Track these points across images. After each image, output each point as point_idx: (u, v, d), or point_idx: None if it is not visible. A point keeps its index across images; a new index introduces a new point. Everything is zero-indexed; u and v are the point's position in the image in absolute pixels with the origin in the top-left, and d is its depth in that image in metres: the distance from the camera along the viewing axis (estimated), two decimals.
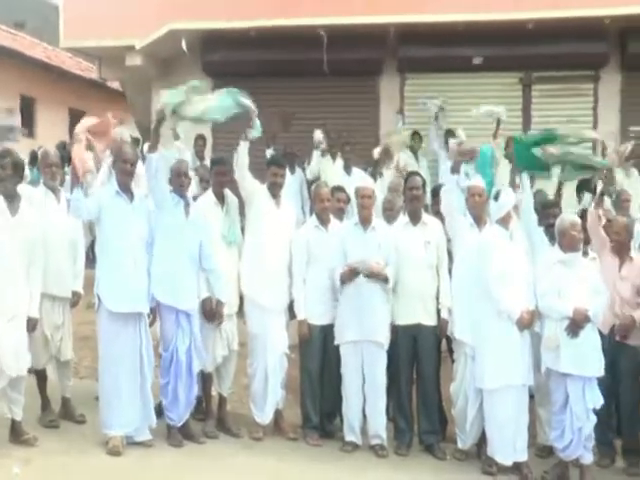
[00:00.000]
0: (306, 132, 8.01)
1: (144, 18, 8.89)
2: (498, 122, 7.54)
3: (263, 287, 5.27)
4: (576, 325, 4.69)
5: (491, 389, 4.82)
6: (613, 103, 8.77)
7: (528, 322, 4.84)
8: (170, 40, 8.82)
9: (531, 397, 5.10)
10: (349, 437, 5.22)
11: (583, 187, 6.81)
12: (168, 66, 9.44)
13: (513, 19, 8.13)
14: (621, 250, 5.11)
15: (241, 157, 5.28)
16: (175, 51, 8.91)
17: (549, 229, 5.27)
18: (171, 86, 5.30)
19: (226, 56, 8.95)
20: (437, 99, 8.37)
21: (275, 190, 5.40)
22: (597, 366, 4.68)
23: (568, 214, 5.12)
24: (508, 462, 4.81)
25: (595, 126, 8.77)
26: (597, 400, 4.66)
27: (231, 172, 5.38)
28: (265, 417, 5.31)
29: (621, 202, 6.04)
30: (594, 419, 4.65)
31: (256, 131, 5.28)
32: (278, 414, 5.44)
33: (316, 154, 7.74)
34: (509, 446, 4.80)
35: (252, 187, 5.38)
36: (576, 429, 4.65)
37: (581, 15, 7.96)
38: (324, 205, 5.43)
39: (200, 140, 8.47)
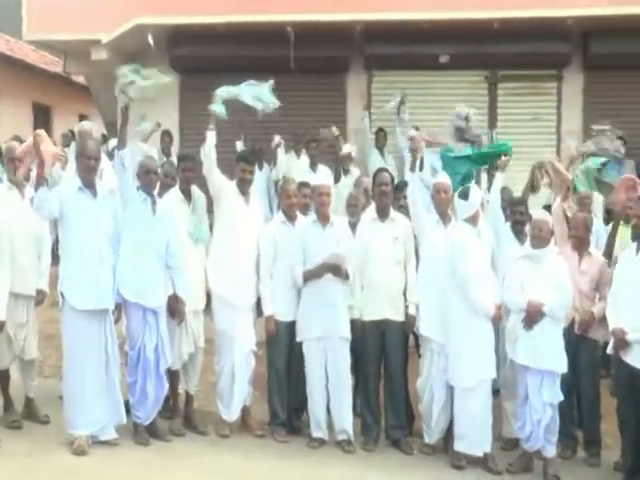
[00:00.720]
0: (273, 129, 7.99)
1: (110, 12, 8.77)
2: (467, 121, 7.61)
3: (231, 284, 5.26)
4: (530, 318, 4.78)
5: (468, 387, 4.89)
6: (576, 102, 8.94)
7: (500, 317, 4.94)
8: (136, 34, 8.72)
9: (497, 391, 5.18)
10: (316, 433, 5.24)
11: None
12: (134, 61, 9.29)
13: (478, 18, 8.21)
14: (580, 245, 5.21)
15: (208, 149, 5.25)
16: (141, 46, 8.80)
17: (516, 226, 5.36)
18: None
19: (193, 51, 8.88)
20: (397, 94, 8.43)
21: (244, 187, 5.38)
22: (555, 361, 4.74)
23: (539, 211, 5.19)
24: (479, 453, 4.90)
25: (558, 124, 8.96)
26: (554, 395, 4.74)
27: (198, 168, 5.36)
28: (232, 414, 5.31)
29: (582, 199, 6.16)
30: (551, 412, 4.74)
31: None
32: (245, 411, 5.43)
33: (280, 152, 7.74)
34: (483, 438, 4.89)
35: (220, 183, 5.35)
36: (535, 421, 4.74)
37: (545, 15, 8.09)
38: (291, 201, 5.43)
39: (166, 136, 8.41)
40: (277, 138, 8.00)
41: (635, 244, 4.73)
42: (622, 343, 4.55)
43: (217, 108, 5.27)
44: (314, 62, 8.68)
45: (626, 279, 4.66)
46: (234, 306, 5.27)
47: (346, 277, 5.16)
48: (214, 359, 5.44)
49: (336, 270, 5.09)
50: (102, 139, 9.96)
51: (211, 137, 5.25)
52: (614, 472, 4.91)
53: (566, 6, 8.09)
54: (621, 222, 5.68)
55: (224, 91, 5.41)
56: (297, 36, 8.42)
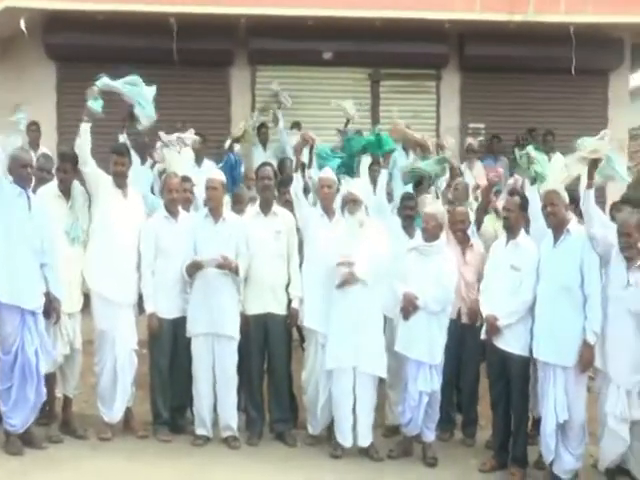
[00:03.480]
0: (156, 121, 7.77)
1: None
2: (347, 121, 7.80)
3: (111, 281, 5.10)
4: (405, 310, 4.95)
5: (331, 369, 4.99)
6: (453, 101, 9.29)
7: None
8: (8, 18, 8.19)
9: (382, 380, 5.32)
10: (200, 431, 5.19)
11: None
12: (6, 47, 8.79)
13: (361, 16, 8.37)
14: (463, 238, 5.42)
15: (81, 141, 5.05)
16: (14, 31, 8.30)
17: (406, 220, 5.52)
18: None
19: (71, 39, 8.48)
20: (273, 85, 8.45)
21: (119, 180, 5.23)
22: (426, 352, 4.89)
23: (431, 204, 5.33)
24: (347, 444, 5.00)
25: (438, 122, 9.28)
26: (430, 385, 4.90)
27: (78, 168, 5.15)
28: (115, 416, 5.16)
29: (459, 192, 6.43)
30: (427, 400, 4.92)
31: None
32: (128, 412, 5.29)
33: (159, 146, 7.56)
34: (347, 427, 4.98)
35: (96, 176, 5.17)
36: (413, 407, 4.91)
37: (423, 17, 8.35)
38: (173, 196, 5.32)
39: (34, 126, 7.96)
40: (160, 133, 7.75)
41: (505, 235, 5.00)
42: (494, 329, 4.80)
43: (92, 104, 5.07)
44: (198, 55, 8.54)
45: (497, 268, 4.92)
46: (114, 304, 5.12)
47: (236, 273, 5.12)
48: (94, 360, 5.25)
49: (222, 265, 5.05)
50: None
51: (85, 129, 5.05)
52: (486, 450, 5.17)
53: (443, 9, 8.38)
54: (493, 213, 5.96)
55: (103, 84, 5.19)
56: (180, 28, 8.25)
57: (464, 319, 5.31)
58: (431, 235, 5.00)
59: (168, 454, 4.99)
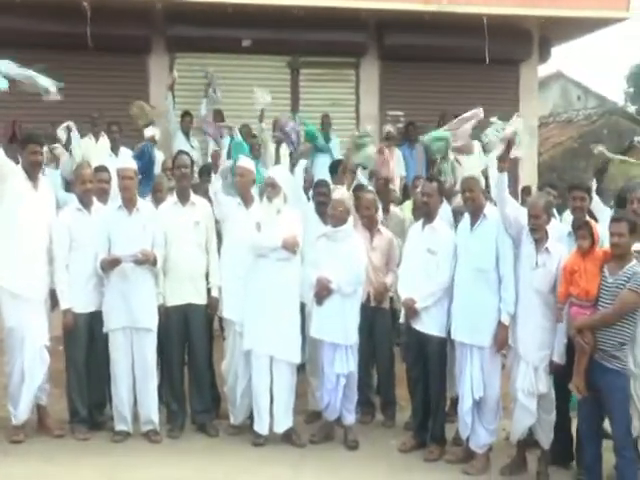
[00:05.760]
0: (70, 109, 7.53)
1: None
2: (262, 110, 7.78)
3: (19, 275, 4.91)
4: (319, 294, 5.00)
5: (248, 349, 5.01)
6: (372, 89, 9.41)
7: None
8: None
9: (303, 366, 5.35)
10: (119, 426, 5.09)
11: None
12: None
13: (281, 4, 8.33)
14: (370, 223, 5.50)
15: None
16: None
17: (319, 206, 5.54)
18: None
19: None
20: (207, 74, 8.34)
21: (33, 170, 5.03)
22: (341, 334, 4.95)
23: (337, 191, 5.37)
24: (264, 431, 5.02)
25: (357, 109, 9.40)
26: (347, 366, 4.97)
27: None
28: (20, 416, 4.96)
29: (377, 180, 6.55)
30: (344, 382, 4.98)
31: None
32: (42, 411, 5.13)
33: (74, 136, 7.32)
34: (264, 414, 5.01)
35: (2, 165, 4.95)
36: (330, 390, 4.97)
37: (341, 6, 8.41)
38: (86, 187, 5.16)
39: None
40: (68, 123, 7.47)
41: (421, 221, 5.10)
42: (412, 312, 4.90)
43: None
44: (113, 41, 8.30)
45: (414, 253, 5.02)
46: (23, 299, 4.93)
47: (154, 264, 5.03)
48: (4, 360, 5.06)
49: (141, 261, 4.96)
50: None
51: None
52: (405, 431, 5.29)
53: None
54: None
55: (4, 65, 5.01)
56: (94, 12, 7.99)
57: (373, 302, 5.40)
58: (338, 220, 5.06)
59: (87, 452, 4.87)
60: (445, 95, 9.10)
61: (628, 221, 4.18)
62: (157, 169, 7.25)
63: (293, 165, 6.54)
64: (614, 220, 4.24)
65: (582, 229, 4.37)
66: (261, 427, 5.03)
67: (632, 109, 19.52)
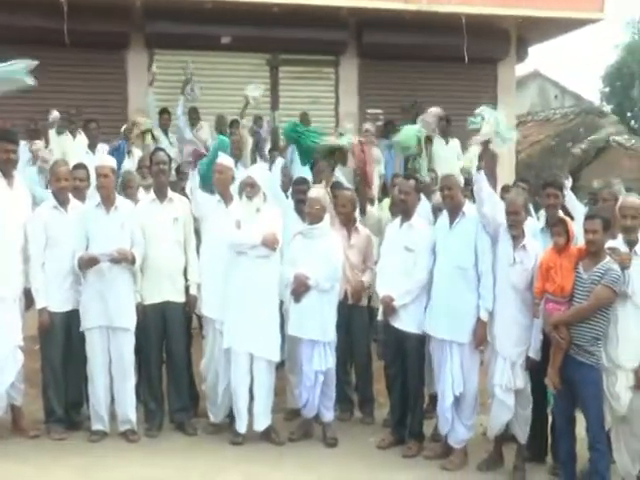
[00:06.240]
0: (47, 106, 7.46)
1: None
2: (246, 104, 7.75)
3: None
4: (296, 291, 5.01)
5: (228, 347, 4.99)
6: (352, 87, 9.43)
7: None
8: None
9: (282, 363, 5.35)
10: (96, 426, 5.05)
11: None
12: None
13: (260, 2, 8.31)
14: (348, 221, 5.51)
15: None
16: None
17: (298, 204, 5.54)
18: None
19: None
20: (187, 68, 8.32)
21: (7, 168, 4.97)
22: (318, 331, 4.96)
23: (314, 189, 5.38)
24: (242, 429, 5.00)
25: (337, 107, 9.41)
26: (325, 363, 4.98)
27: None
28: None
29: (355, 176, 6.57)
30: (322, 379, 4.99)
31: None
32: (17, 411, 5.08)
33: (52, 133, 7.24)
34: (243, 412, 4.99)
35: None
36: (309, 387, 4.98)
37: (321, 4, 8.41)
38: (62, 184, 5.11)
39: None
40: (54, 113, 7.39)
41: (399, 218, 5.12)
42: (390, 309, 4.92)
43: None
44: (91, 37, 8.22)
45: (391, 251, 5.04)
46: None
47: (132, 262, 5.00)
48: None
49: (118, 260, 4.92)
50: None
51: None
52: (384, 427, 5.31)
53: None
54: None
55: None
56: (71, 8, 7.89)
57: (350, 300, 5.41)
58: (315, 218, 5.07)
59: (63, 453, 4.81)
60: (424, 93, 9.11)
61: (602, 218, 4.24)
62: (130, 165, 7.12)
63: (271, 163, 6.55)
64: (588, 217, 4.31)
65: (557, 226, 4.43)
66: (241, 425, 5.01)
67: (608, 108, 19.74)
